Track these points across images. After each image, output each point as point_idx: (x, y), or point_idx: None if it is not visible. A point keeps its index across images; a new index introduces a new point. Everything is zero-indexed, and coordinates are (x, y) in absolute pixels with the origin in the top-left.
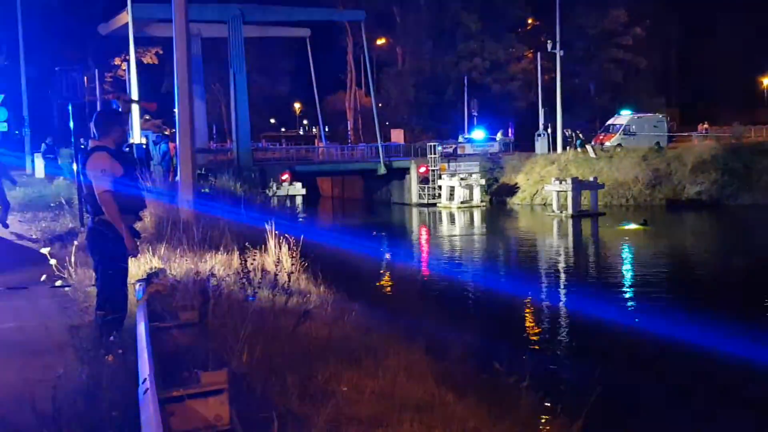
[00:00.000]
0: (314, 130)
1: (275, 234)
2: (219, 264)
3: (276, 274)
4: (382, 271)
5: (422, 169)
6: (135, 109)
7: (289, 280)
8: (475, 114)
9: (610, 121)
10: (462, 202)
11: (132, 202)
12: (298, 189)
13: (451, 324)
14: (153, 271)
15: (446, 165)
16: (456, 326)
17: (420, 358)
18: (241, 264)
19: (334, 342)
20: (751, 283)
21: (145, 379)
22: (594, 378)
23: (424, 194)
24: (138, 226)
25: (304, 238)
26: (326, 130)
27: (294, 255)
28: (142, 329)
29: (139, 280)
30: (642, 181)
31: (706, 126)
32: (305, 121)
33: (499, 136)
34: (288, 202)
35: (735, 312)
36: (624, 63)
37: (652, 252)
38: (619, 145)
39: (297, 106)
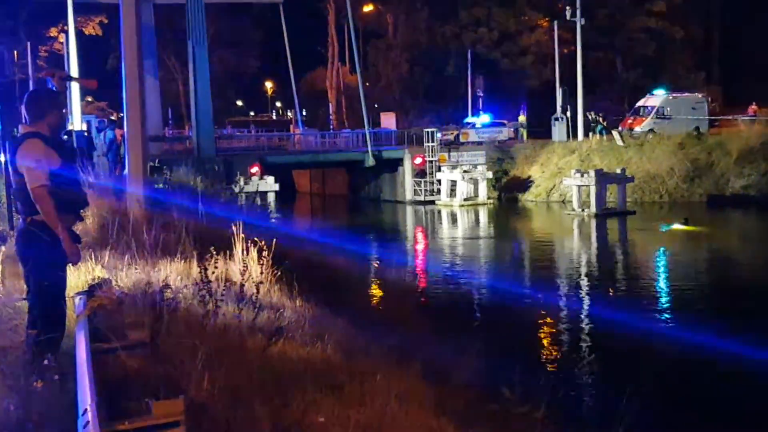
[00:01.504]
0: (289, 114)
1: (242, 237)
2: (175, 273)
3: (243, 285)
4: (370, 282)
5: (418, 161)
6: (75, 88)
7: (258, 292)
8: (481, 95)
9: (640, 103)
10: (465, 199)
11: (71, 200)
12: (270, 184)
13: (454, 344)
14: (96, 281)
15: (446, 155)
16: (459, 346)
17: (415, 384)
18: (201, 273)
19: (313, 365)
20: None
21: (85, 411)
22: (621, 408)
23: (421, 190)
24: (78, 228)
25: (277, 243)
26: (303, 114)
27: (265, 262)
28: (82, 351)
29: (79, 293)
30: (678, 174)
31: (755, 108)
32: (278, 104)
33: (512, 119)
34: (258, 200)
35: None
36: (657, 33)
37: (693, 260)
38: (651, 130)
39: (268, 85)
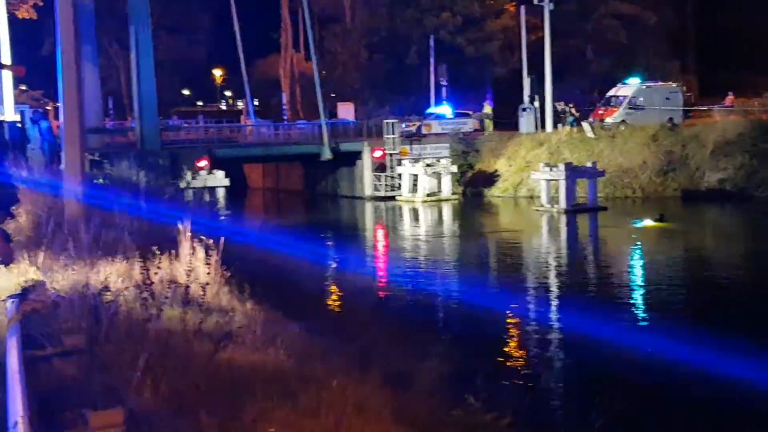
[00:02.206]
0: (240, 104)
1: (189, 236)
2: (115, 274)
3: (188, 287)
4: (327, 283)
5: (378, 154)
6: (7, 76)
7: (205, 294)
8: (444, 83)
9: (611, 92)
10: (428, 195)
11: (2, 196)
12: (219, 179)
13: (416, 348)
14: (29, 284)
15: (408, 148)
16: (422, 351)
17: (375, 392)
18: (143, 274)
19: (264, 372)
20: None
21: (16, 422)
22: (591, 416)
23: (381, 185)
24: (10, 226)
25: (226, 241)
26: (255, 104)
27: (213, 263)
28: (14, 358)
29: (10, 296)
30: (651, 168)
31: (732, 98)
32: (228, 93)
33: (478, 109)
34: (207, 196)
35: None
36: (629, 19)
37: (668, 259)
38: (623, 121)
39: (218, 73)
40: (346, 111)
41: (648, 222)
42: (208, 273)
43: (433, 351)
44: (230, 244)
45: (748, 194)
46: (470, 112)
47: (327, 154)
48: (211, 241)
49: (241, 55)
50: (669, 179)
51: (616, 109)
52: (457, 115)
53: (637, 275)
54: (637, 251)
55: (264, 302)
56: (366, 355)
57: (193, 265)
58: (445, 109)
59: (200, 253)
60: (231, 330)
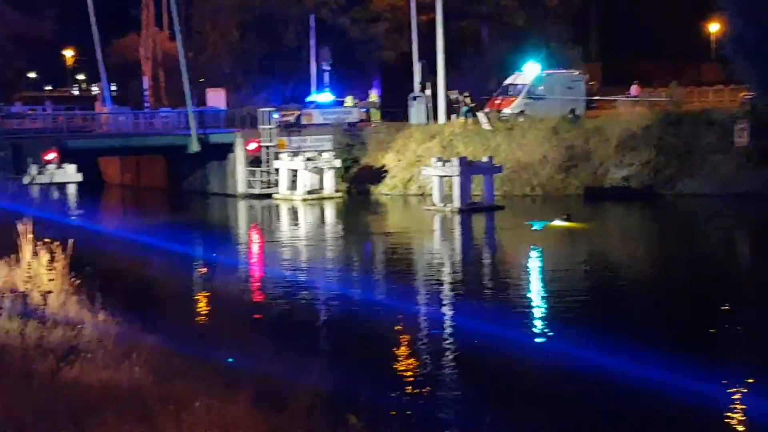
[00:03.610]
0: (95, 89)
1: (32, 238)
2: None
3: (26, 295)
4: (193, 291)
5: (252, 146)
6: None
7: (46, 304)
8: (327, 68)
9: (509, 80)
10: (309, 193)
11: None
12: (70, 174)
13: (292, 362)
14: None
15: (286, 140)
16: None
17: (246, 411)
18: None
19: (117, 392)
20: (694, 303)
21: None
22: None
23: (256, 181)
24: None
25: (76, 244)
26: (113, 89)
27: (60, 268)
28: None
29: None
30: (552, 163)
31: (637, 88)
32: (81, 77)
33: (350, 100)
34: (55, 193)
35: (669, 336)
36: (528, 1)
37: (570, 263)
38: (522, 112)
39: (69, 54)
40: (216, 98)
41: (557, 222)
42: (52, 280)
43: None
44: (81, 248)
45: (655, 192)
46: (356, 101)
47: (194, 147)
48: (58, 243)
49: (96, 34)
50: (571, 176)
51: (514, 98)
52: (341, 104)
53: (536, 281)
54: (537, 255)
55: (119, 313)
56: (235, 370)
57: (35, 271)
58: (327, 97)
59: (45, 257)
60: (78, 344)
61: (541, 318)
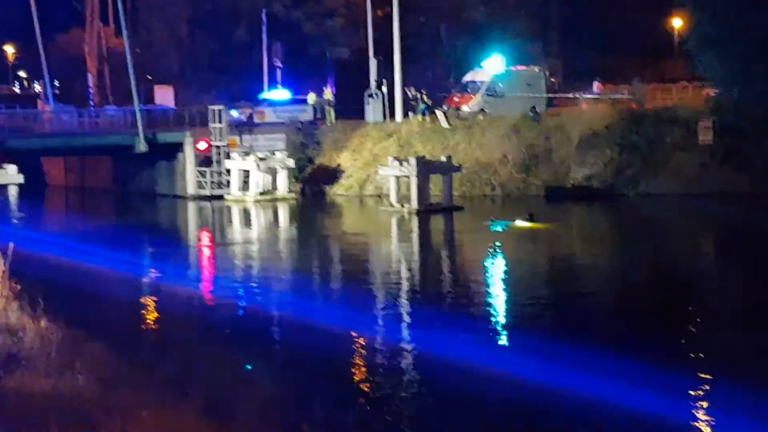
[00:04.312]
0: (37, 86)
1: None
2: None
3: None
4: (140, 297)
5: (202, 146)
6: None
7: None
8: (279, 65)
9: (468, 77)
10: (261, 194)
11: None
12: (11, 175)
13: (243, 370)
14: None
15: (238, 139)
16: (250, 373)
17: (193, 422)
18: None
19: (61, 401)
20: (658, 307)
21: None
22: None
23: (206, 182)
24: None
25: (17, 249)
26: (56, 86)
27: None
28: None
29: None
30: (512, 162)
31: (599, 85)
32: (22, 74)
33: (312, 98)
34: None
35: (635, 343)
36: None
37: (533, 266)
38: (482, 110)
39: (9, 50)
40: (164, 96)
41: (519, 222)
42: None
43: (264, 372)
44: (22, 252)
45: (618, 192)
46: (314, 98)
47: (142, 146)
48: None
49: (38, 29)
50: (532, 175)
51: (473, 96)
52: (295, 102)
53: (496, 286)
54: (497, 258)
55: (62, 319)
56: (184, 379)
57: None
58: (282, 94)
59: None
60: (20, 352)
61: (499, 326)
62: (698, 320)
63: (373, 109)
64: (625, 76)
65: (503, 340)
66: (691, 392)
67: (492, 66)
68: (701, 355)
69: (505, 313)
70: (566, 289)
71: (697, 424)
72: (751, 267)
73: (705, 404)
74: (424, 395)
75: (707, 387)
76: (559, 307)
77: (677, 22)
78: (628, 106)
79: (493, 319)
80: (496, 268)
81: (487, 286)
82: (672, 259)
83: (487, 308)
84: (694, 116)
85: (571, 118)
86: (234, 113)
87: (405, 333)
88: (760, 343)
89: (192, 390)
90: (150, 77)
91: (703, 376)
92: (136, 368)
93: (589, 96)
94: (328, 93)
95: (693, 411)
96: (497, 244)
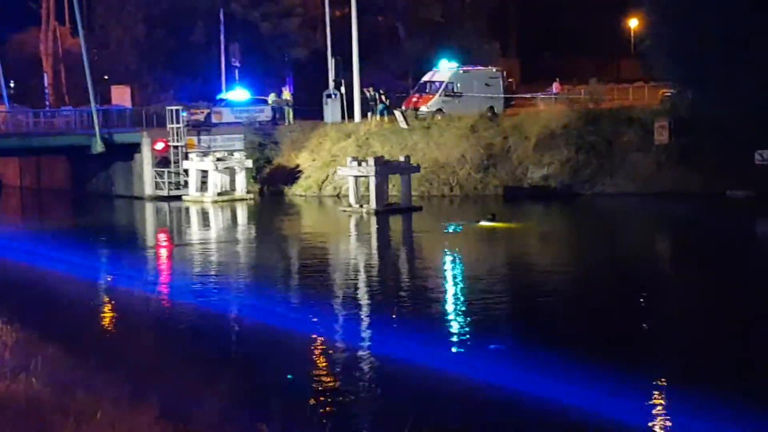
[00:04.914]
0: None
1: None
2: None
3: None
4: (96, 299)
5: (160, 146)
6: None
7: None
8: (237, 65)
9: (426, 78)
10: (220, 194)
11: None
12: None
13: (201, 373)
14: None
15: (195, 139)
16: (208, 376)
17: (149, 425)
18: None
19: (15, 404)
20: (615, 308)
21: None
22: None
23: (164, 183)
24: None
25: None
26: (11, 86)
27: None
28: None
29: None
30: (471, 162)
31: (558, 85)
32: None
33: (272, 98)
34: None
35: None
36: None
37: (492, 265)
38: (440, 110)
39: None
40: (121, 96)
41: (483, 222)
42: None
43: (221, 376)
44: None
45: (575, 192)
46: (268, 99)
47: (98, 147)
48: None
49: None
50: (490, 175)
51: (431, 96)
52: (255, 102)
53: (454, 288)
54: (456, 259)
55: (16, 321)
56: (141, 382)
57: None
58: (241, 94)
59: None
60: None
61: (455, 332)
62: (650, 319)
63: (331, 110)
64: (582, 76)
65: (457, 340)
66: (644, 392)
67: (450, 67)
68: (653, 352)
69: (461, 314)
70: (523, 288)
71: (652, 424)
72: (702, 265)
73: (658, 404)
74: (376, 393)
75: (661, 386)
76: (518, 307)
77: (634, 23)
78: (585, 106)
79: (449, 319)
80: (455, 269)
81: (446, 288)
82: (630, 259)
83: (441, 307)
84: (650, 116)
85: (529, 118)
86: (183, 115)
87: (359, 334)
88: (709, 342)
89: (148, 392)
90: (107, 77)
91: (654, 374)
92: (92, 370)
93: (546, 96)
94: (287, 93)
95: (647, 411)
96: (456, 244)
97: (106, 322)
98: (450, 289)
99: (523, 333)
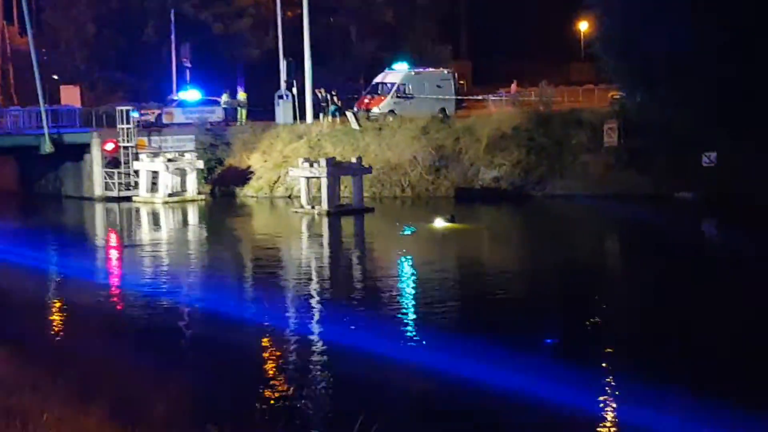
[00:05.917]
0: None
1: None
2: None
3: None
4: (44, 300)
5: (110, 147)
6: None
7: None
8: (188, 65)
9: (378, 79)
10: (170, 195)
11: None
12: None
13: (152, 372)
14: None
15: (146, 140)
16: (158, 375)
17: (99, 424)
18: None
19: None
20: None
21: None
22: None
23: (114, 183)
24: None
25: None
26: None
27: None
28: None
29: None
30: (423, 164)
31: (516, 87)
32: None
33: (224, 98)
34: None
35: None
36: None
37: (442, 264)
38: (392, 111)
39: None
40: (70, 96)
41: (440, 223)
42: None
43: (172, 374)
44: None
45: (526, 193)
46: (220, 99)
47: (47, 147)
48: None
49: None
50: (441, 177)
51: (383, 97)
52: (207, 103)
53: (406, 289)
54: (408, 260)
55: None
56: (90, 381)
57: None
58: (193, 95)
59: None
60: None
61: (407, 333)
62: (601, 314)
63: (283, 111)
64: (533, 78)
65: (407, 337)
66: (596, 385)
67: (401, 68)
68: (604, 347)
69: (412, 313)
70: (476, 288)
71: (602, 414)
72: (649, 265)
73: (607, 397)
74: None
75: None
76: (473, 307)
77: (584, 26)
78: (535, 108)
79: (399, 318)
80: (405, 270)
81: (398, 289)
82: (579, 258)
83: (395, 312)
84: (600, 118)
85: (480, 119)
86: (135, 115)
87: (309, 330)
88: (656, 337)
89: (97, 392)
90: (56, 77)
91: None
92: (39, 371)
93: (497, 98)
94: (243, 94)
95: (598, 403)
96: (409, 245)
97: (53, 321)
98: (400, 291)
99: (472, 326)
